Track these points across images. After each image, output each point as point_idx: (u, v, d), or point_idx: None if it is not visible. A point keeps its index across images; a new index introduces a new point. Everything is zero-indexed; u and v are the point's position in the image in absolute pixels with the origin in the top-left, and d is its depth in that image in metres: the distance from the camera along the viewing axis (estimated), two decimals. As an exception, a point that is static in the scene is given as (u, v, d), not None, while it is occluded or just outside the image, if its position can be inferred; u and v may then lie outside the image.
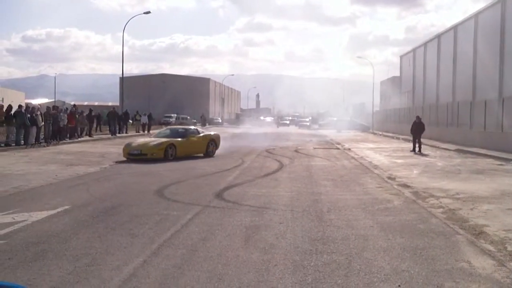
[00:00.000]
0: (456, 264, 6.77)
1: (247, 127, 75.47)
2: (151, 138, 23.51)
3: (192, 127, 26.77)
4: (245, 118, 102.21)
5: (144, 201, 11.41)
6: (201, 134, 24.04)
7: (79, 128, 36.04)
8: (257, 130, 60.24)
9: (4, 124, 27.25)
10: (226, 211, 10.26)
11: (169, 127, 29.12)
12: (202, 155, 23.21)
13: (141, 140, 23.59)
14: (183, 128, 25.18)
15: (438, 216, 9.99)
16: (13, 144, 26.70)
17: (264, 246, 7.53)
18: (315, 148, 31.64)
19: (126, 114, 48.30)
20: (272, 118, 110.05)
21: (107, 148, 27.73)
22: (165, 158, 20.93)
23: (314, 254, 7.16)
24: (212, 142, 24.07)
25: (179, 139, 22.54)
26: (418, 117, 30.37)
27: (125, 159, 21.00)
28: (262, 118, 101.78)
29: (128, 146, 21.64)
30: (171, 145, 21.65)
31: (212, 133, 25.97)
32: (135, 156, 20.90)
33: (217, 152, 24.42)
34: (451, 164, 21.19)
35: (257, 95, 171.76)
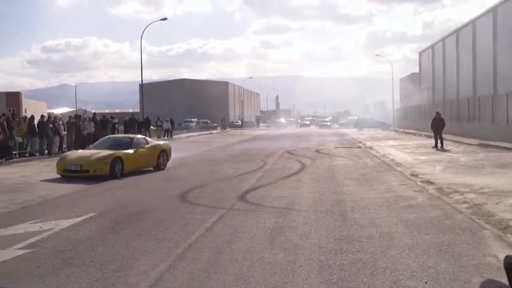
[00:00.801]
0: (483, 259, 6.72)
1: (266, 129, 75.57)
2: (91, 150, 19.03)
3: (139, 136, 22.02)
4: (266, 120, 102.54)
5: (168, 205, 11.48)
6: (150, 145, 20.12)
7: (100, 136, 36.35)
8: (277, 132, 60.21)
9: (28, 135, 27.57)
10: (249, 214, 10.29)
11: (111, 135, 24.24)
12: (152, 168, 19.57)
13: (79, 152, 19.52)
14: (127, 137, 20.91)
15: (463, 211, 9.92)
16: (37, 154, 27.04)
17: (289, 247, 7.54)
18: (336, 147, 31.55)
19: (147, 120, 48.56)
20: (288, 119, 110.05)
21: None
22: (111, 175, 17.04)
23: (339, 253, 7.15)
24: (163, 153, 20.32)
25: (126, 151, 18.48)
26: (438, 113, 30.14)
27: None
28: (277, 120, 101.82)
29: (63, 160, 17.86)
30: (118, 159, 17.57)
31: (162, 142, 22.73)
32: (72, 172, 17.17)
33: (242, 155, 24.37)
34: (475, 159, 20.99)
35: (277, 97, 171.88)
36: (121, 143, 19.37)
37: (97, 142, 21.61)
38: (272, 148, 31.93)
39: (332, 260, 6.81)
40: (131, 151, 18.58)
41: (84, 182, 16.01)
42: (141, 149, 19.00)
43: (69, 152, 20.38)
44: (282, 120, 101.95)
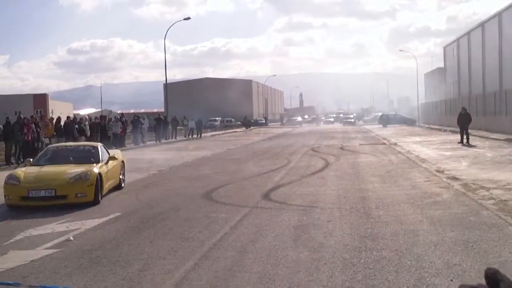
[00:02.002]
0: (510, 256, 6.66)
1: (290, 127, 75.52)
2: (48, 167, 13.03)
3: (99, 144, 15.51)
4: (282, 119, 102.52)
5: (193, 204, 11.55)
6: (113, 155, 14.68)
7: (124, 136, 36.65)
8: (301, 129, 60.08)
9: (55, 136, 27.94)
10: (274, 212, 10.30)
11: (62, 144, 17.79)
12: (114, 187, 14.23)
13: (33, 169, 12.97)
14: (90, 146, 14.86)
15: (489, 208, 9.81)
16: (63, 155, 27.37)
17: (313, 245, 7.54)
18: (360, 144, 31.40)
19: (174, 120, 48.71)
20: (311, 117, 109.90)
21: (154, 155, 28.12)
22: (95, 200, 12.14)
23: (363, 251, 7.14)
24: (123, 166, 15.39)
25: (99, 165, 13.23)
26: (463, 108, 29.86)
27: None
28: (293, 118, 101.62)
29: (16, 180, 12.08)
30: (99, 177, 12.58)
31: (118, 150, 18.25)
32: (41, 201, 11.81)
33: (266, 154, 24.25)
34: (501, 154, 20.73)
35: (300, 94, 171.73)
36: (85, 155, 13.87)
37: (41, 154, 14.82)
38: (296, 145, 31.91)
39: (357, 258, 6.79)
40: (104, 165, 13.42)
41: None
42: (112, 162, 14.05)
43: (20, 170, 13.73)
44: (299, 118, 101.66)
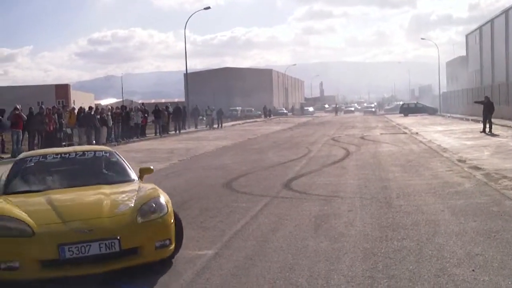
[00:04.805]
0: (533, 246, 6.60)
1: (310, 117, 75.29)
2: (55, 197, 6.60)
3: (106, 147, 9.26)
4: (293, 109, 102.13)
5: (214, 194, 11.59)
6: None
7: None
8: (322, 119, 59.91)
9: (76, 126, 28.19)
10: (294, 201, 10.31)
11: (42, 151, 8.92)
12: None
13: (56, 200, 6.48)
14: (99, 151, 8.47)
15: (512, 197, 9.72)
16: (85, 145, 27.64)
17: (334, 235, 7.54)
18: (381, 134, 31.25)
19: (196, 109, 48.77)
20: (331, 106, 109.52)
21: (174, 145, 28.27)
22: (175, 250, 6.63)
23: (384, 241, 7.12)
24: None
25: (143, 183, 7.73)
26: (486, 97, 29.55)
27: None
28: (306, 108, 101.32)
29: (28, 230, 5.75)
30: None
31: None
32: (87, 267, 5.71)
33: (286, 143, 24.13)
34: (525, 144, 20.49)
35: (321, 84, 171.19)
36: (103, 169, 8.13)
37: (10, 172, 7.61)
38: (316, 135, 31.88)
39: (377, 248, 6.78)
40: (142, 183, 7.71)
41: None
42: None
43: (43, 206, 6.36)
44: (310, 108, 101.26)
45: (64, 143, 26.70)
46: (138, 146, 28.46)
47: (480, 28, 66.37)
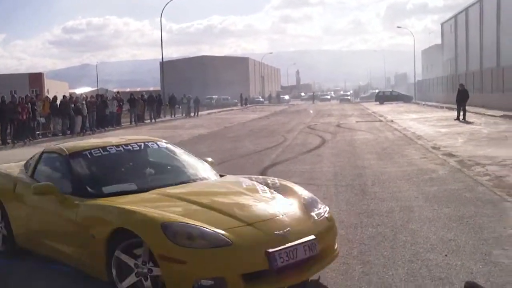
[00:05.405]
0: (505, 231, 6.69)
1: (286, 105, 75.36)
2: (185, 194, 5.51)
3: (163, 141, 7.27)
4: (270, 98, 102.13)
5: (189, 183, 11.53)
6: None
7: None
8: (298, 107, 60.04)
9: (50, 115, 27.88)
10: (270, 189, 10.30)
11: (97, 143, 6.84)
12: None
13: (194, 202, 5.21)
14: (163, 144, 7.10)
15: (485, 184, 9.84)
16: (59, 134, 27.38)
17: (309, 222, 7.55)
18: (357, 121, 31.41)
19: (173, 98, 48.42)
20: (307, 94, 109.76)
21: (150, 134, 28.11)
22: None
23: (359, 227, 7.18)
24: None
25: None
26: (461, 85, 29.92)
27: None
28: (282, 96, 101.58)
29: (228, 242, 4.52)
30: None
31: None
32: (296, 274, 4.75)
33: (263, 131, 24.08)
34: (497, 131, 20.76)
35: (297, 72, 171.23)
36: (179, 164, 6.97)
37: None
38: (292, 123, 31.94)
39: (352, 234, 6.84)
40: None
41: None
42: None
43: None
44: (286, 96, 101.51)
45: (38, 132, 26.42)
46: (114, 135, 28.24)
47: (455, 16, 66.96)
